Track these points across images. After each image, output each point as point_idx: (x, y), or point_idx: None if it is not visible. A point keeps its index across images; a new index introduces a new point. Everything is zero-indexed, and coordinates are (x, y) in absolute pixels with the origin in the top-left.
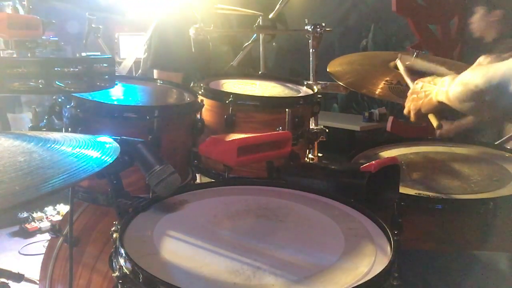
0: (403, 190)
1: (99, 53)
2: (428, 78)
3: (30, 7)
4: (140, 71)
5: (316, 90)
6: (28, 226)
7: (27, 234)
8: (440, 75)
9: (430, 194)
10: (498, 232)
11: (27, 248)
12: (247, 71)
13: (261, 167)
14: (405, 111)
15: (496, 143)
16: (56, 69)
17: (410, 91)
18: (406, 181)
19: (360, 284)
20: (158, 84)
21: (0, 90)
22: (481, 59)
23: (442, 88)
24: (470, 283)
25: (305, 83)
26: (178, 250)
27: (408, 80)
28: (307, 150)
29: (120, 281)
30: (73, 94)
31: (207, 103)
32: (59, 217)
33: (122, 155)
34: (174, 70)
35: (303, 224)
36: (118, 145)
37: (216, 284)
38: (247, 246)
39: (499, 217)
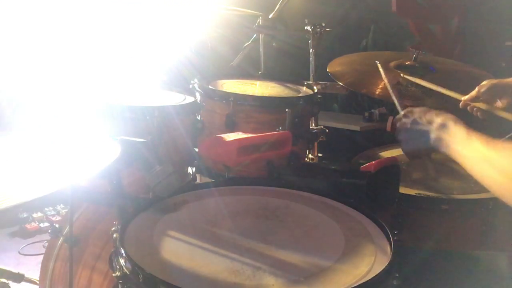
0: (403, 190)
1: None
2: (419, 111)
3: None
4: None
5: (316, 90)
6: (28, 226)
7: (27, 234)
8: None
9: (430, 194)
10: (498, 232)
11: (27, 248)
12: (247, 71)
13: (261, 167)
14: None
15: None
16: None
17: (399, 117)
18: (406, 181)
19: (360, 284)
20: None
21: None
22: (485, 83)
23: (452, 143)
24: (470, 283)
25: (305, 83)
26: (178, 250)
27: (397, 104)
28: (307, 150)
29: (120, 281)
30: None
31: (207, 103)
32: (59, 217)
33: (122, 155)
34: None
35: (303, 224)
36: (118, 145)
37: (216, 284)
38: (247, 246)
39: (499, 217)
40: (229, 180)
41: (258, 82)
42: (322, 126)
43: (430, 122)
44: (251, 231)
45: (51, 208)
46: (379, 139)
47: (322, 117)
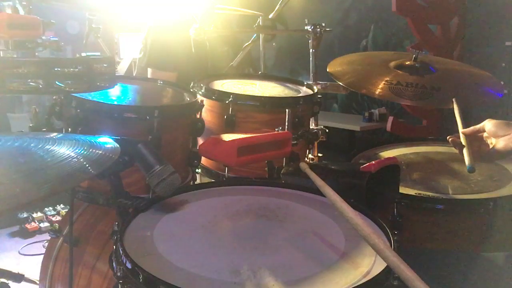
0: (403, 190)
1: (99, 53)
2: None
3: (30, 7)
4: (136, 70)
5: (316, 90)
6: (28, 226)
7: (27, 234)
8: None
9: (430, 194)
10: (498, 232)
11: (27, 248)
12: (247, 71)
13: (261, 167)
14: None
15: None
16: (56, 69)
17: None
18: (406, 181)
19: (360, 284)
20: (158, 84)
21: (0, 90)
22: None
23: None
24: (470, 283)
25: (305, 83)
26: (178, 250)
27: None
28: (307, 150)
29: (120, 281)
30: (73, 94)
31: (207, 103)
32: (59, 217)
33: (122, 155)
34: (168, 70)
35: (303, 224)
36: (118, 145)
37: (216, 284)
38: (247, 246)
39: (499, 217)
40: (229, 180)
41: (258, 82)
42: (322, 126)
43: None
44: (251, 231)
45: (51, 208)
46: (379, 139)
47: (322, 117)
